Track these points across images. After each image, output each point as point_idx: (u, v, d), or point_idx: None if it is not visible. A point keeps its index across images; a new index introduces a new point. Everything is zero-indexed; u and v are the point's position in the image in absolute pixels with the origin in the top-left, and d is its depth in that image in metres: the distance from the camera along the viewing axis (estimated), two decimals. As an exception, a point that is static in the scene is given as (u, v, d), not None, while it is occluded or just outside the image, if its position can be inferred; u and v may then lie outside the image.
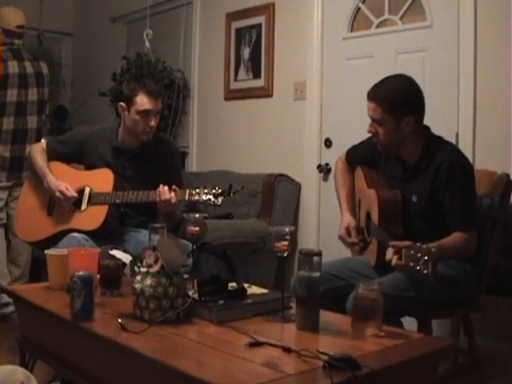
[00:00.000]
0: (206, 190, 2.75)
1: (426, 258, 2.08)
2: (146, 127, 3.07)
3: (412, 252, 2.12)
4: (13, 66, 3.92)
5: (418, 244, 2.13)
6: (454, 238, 2.43)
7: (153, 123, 3.07)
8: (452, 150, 2.58)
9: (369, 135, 2.72)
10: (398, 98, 2.50)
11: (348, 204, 2.86)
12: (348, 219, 2.78)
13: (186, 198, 2.81)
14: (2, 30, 3.98)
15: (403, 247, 2.17)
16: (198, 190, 2.78)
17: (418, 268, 2.10)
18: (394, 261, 2.23)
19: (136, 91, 3.05)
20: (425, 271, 2.08)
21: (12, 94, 3.91)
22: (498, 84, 3.21)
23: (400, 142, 2.57)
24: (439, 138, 2.62)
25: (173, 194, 2.86)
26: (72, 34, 6.40)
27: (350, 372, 1.54)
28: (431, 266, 2.07)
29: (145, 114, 3.04)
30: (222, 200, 2.73)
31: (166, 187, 2.88)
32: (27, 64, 4.01)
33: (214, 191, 2.74)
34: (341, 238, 2.77)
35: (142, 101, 3.04)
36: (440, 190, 2.49)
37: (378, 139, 2.59)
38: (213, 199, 2.73)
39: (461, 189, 2.48)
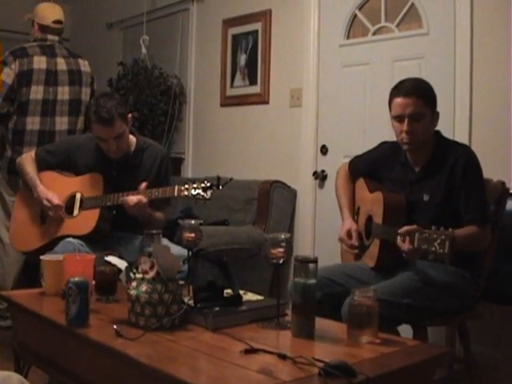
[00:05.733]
0: (194, 185, 2.72)
1: (442, 237, 2.07)
2: (108, 151, 3.06)
3: (426, 234, 2.11)
4: (39, 62, 3.71)
5: (432, 227, 2.13)
6: (468, 229, 2.46)
7: (113, 148, 3.03)
8: (466, 150, 2.64)
9: (371, 146, 2.78)
10: (431, 91, 2.61)
11: (349, 210, 2.89)
12: (349, 223, 2.82)
13: (176, 194, 2.79)
14: (38, 26, 3.84)
15: (414, 230, 2.17)
16: (186, 186, 2.75)
17: (433, 249, 2.08)
18: (407, 245, 2.24)
19: (91, 117, 2.99)
20: (441, 250, 2.06)
21: (37, 92, 3.70)
22: (495, 91, 3.22)
23: (428, 139, 2.60)
24: (449, 140, 2.71)
25: (139, 195, 2.88)
26: (68, 39, 6.38)
27: (345, 379, 1.54)
28: (448, 244, 2.05)
29: (102, 140, 3.03)
30: (211, 193, 2.70)
31: (131, 196, 2.90)
32: (60, 60, 3.82)
33: (202, 185, 2.71)
34: (341, 239, 2.79)
35: (96, 129, 3.00)
36: (455, 188, 2.54)
37: (414, 137, 2.57)
38: (202, 193, 2.69)
39: (475, 186, 2.54)
